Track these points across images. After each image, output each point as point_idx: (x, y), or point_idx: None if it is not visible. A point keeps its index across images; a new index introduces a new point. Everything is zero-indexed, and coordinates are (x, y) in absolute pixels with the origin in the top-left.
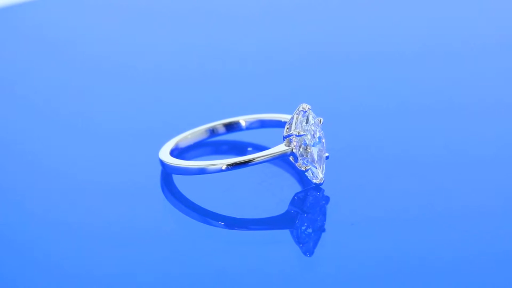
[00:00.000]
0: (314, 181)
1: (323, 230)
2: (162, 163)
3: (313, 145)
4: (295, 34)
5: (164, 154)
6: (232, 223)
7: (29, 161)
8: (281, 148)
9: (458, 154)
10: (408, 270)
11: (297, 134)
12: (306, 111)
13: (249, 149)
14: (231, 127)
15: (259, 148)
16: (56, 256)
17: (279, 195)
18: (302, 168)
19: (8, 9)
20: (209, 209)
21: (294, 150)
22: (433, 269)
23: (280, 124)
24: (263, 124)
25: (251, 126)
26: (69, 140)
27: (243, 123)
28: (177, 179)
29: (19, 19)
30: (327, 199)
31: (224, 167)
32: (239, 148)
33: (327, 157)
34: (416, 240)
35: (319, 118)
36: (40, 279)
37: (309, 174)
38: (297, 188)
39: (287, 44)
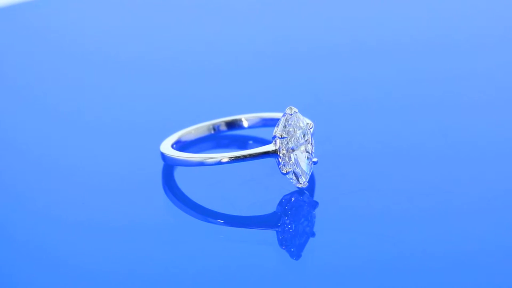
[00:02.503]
0: (297, 185)
1: (307, 233)
2: (162, 155)
3: (297, 149)
4: (299, 32)
5: (164, 147)
6: (218, 219)
7: (30, 156)
8: (265, 148)
9: (449, 154)
10: (398, 271)
11: (280, 137)
12: (292, 114)
13: (250, 142)
14: (233, 125)
15: (262, 142)
16: (53, 251)
17: (262, 195)
18: (282, 171)
19: (10, 8)
20: (198, 203)
21: (277, 152)
22: (422, 270)
23: None
24: (265, 123)
25: (253, 125)
26: (73, 136)
27: (245, 121)
28: (177, 175)
29: (20, 18)
30: (311, 202)
31: (224, 160)
32: (240, 142)
33: (315, 162)
34: (406, 241)
35: (309, 122)
36: (38, 274)
37: (292, 178)
38: (286, 190)
39: (292, 42)
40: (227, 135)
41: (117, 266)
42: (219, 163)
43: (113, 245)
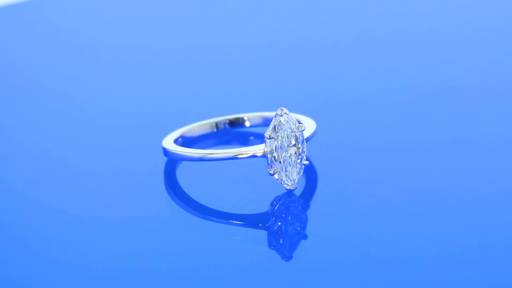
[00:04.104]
0: (285, 186)
1: (298, 235)
2: (163, 149)
3: (286, 150)
4: (304, 31)
5: (166, 142)
6: (209, 215)
7: (32, 152)
8: (254, 148)
9: (445, 154)
10: (390, 272)
11: (268, 137)
12: (282, 115)
13: (251, 138)
14: (235, 123)
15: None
16: (53, 246)
17: (255, 194)
18: (270, 172)
19: (13, 7)
20: (193, 198)
21: (264, 153)
22: (415, 271)
23: None
24: (267, 122)
25: (255, 124)
26: (78, 132)
27: (247, 121)
28: (178, 170)
29: (23, 16)
30: (302, 204)
31: (211, 157)
32: (242, 138)
33: (306, 165)
34: (398, 242)
35: (301, 124)
36: (37, 269)
37: (280, 179)
38: (279, 190)
39: (296, 41)
40: (229, 131)
41: (113, 261)
42: (208, 159)
43: (111, 240)
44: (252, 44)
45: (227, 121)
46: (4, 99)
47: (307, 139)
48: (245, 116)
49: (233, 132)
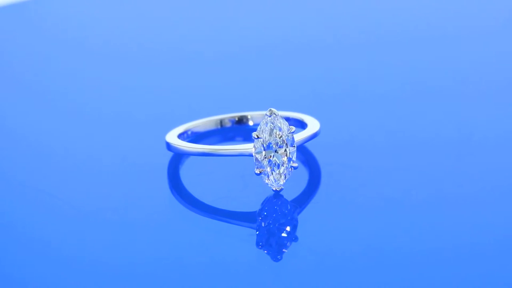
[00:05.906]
0: (272, 187)
1: (288, 236)
2: (166, 143)
3: (274, 151)
4: (312, 29)
5: (170, 136)
6: (199, 209)
7: (35, 148)
8: (243, 147)
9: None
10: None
11: (255, 137)
12: (270, 116)
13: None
14: (239, 121)
15: None
16: (52, 241)
17: (248, 193)
18: (255, 171)
19: (15, 6)
20: (189, 192)
21: (252, 152)
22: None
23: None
24: None
25: (258, 122)
26: (83, 129)
27: (251, 120)
28: (182, 165)
29: (23, 16)
30: (292, 205)
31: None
32: (245, 135)
33: (295, 167)
34: (390, 243)
35: (291, 126)
36: (36, 264)
37: (267, 180)
38: (270, 191)
39: (304, 40)
40: (233, 128)
41: (108, 257)
42: (198, 154)
43: (110, 235)
44: (258, 43)
45: (232, 119)
46: (5, 98)
47: (308, 139)
48: (248, 114)
49: (237, 129)
